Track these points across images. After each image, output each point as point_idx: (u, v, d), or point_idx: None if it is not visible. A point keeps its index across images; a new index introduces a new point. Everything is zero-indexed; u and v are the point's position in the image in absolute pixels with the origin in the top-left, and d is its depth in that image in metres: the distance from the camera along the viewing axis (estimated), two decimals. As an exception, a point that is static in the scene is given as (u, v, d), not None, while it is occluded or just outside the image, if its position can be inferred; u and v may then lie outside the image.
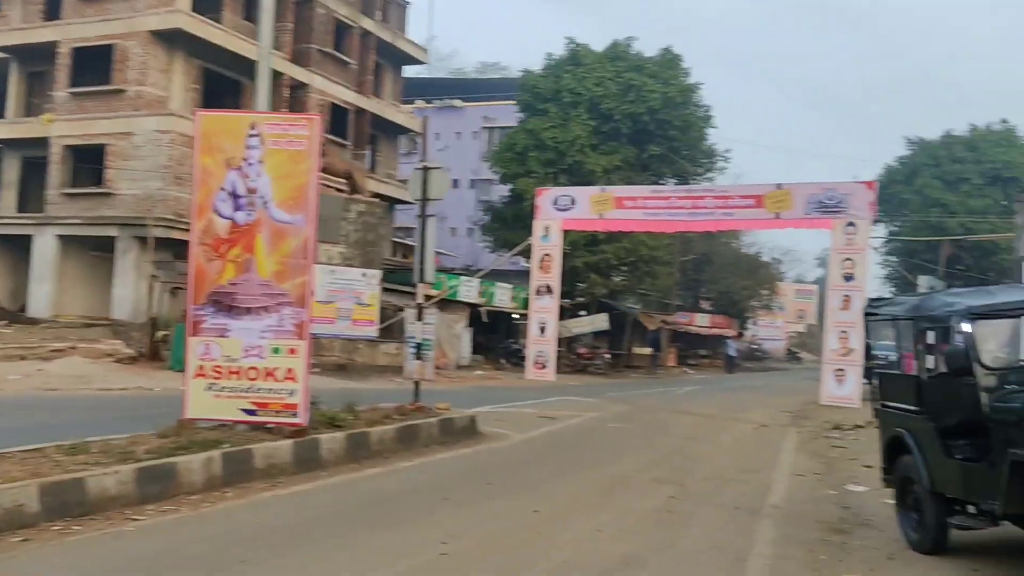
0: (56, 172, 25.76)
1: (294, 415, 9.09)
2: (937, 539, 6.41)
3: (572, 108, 33.55)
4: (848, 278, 22.74)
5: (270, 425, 9.14)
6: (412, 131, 37.97)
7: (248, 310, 9.11)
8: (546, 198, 27.38)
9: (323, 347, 22.64)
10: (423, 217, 12.12)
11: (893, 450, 7.04)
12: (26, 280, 25.87)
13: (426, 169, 12.22)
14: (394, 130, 36.65)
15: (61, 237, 25.39)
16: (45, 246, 25.37)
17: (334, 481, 8.69)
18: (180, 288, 21.15)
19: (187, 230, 11.20)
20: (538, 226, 27.28)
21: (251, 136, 9.17)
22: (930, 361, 6.73)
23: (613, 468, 10.58)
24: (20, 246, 26.14)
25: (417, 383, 12.49)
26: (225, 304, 9.12)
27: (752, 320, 56.36)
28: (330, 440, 9.38)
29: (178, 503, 7.27)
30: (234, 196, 9.16)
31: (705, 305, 52.44)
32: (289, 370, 9.10)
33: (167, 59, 25.62)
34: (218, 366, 9.07)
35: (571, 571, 5.88)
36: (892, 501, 8.67)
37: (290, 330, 9.13)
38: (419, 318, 12.32)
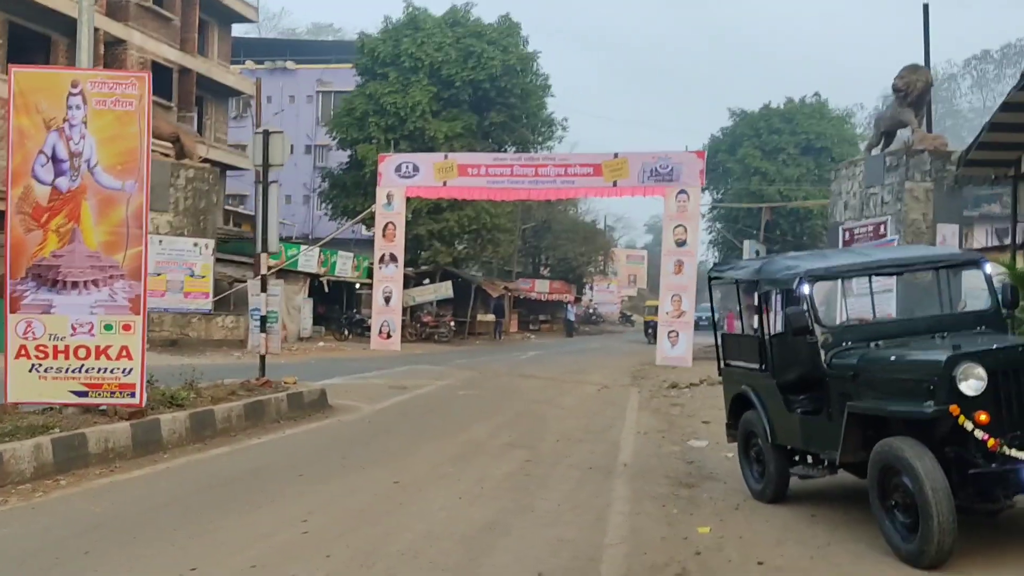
0: None
1: (131, 395, 8.54)
2: (778, 489, 6.81)
3: (412, 73, 33.05)
4: (680, 244, 23.73)
5: (103, 407, 8.55)
6: (242, 93, 36.28)
7: (74, 284, 8.45)
8: (388, 164, 26.93)
9: (152, 321, 21.40)
10: (264, 184, 11.60)
11: (737, 406, 7.40)
12: None
13: (266, 133, 11.68)
14: (223, 92, 34.87)
15: None
16: None
17: (178, 463, 8.24)
18: (-12, 261, 19.40)
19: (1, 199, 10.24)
20: (381, 193, 26.81)
21: (73, 95, 8.45)
22: (756, 322, 7.14)
23: (466, 435, 10.63)
24: None
25: (263, 357, 12.03)
26: (48, 278, 8.42)
27: (589, 285, 58.05)
28: (171, 420, 8.87)
29: (6, 494, 6.70)
30: (55, 160, 8.44)
31: (544, 271, 53.52)
32: (124, 347, 8.53)
33: (-37, 9, 23.25)
34: (42, 345, 8.38)
35: (434, 541, 5.84)
36: (732, 455, 9.21)
37: (123, 305, 8.55)
38: (263, 289, 11.83)
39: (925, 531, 4.86)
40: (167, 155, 23.64)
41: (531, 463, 8.73)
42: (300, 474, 7.90)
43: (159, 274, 21.93)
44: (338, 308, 32.40)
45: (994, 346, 5.24)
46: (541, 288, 48.05)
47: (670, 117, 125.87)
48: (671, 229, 23.93)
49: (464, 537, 5.94)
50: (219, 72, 33.49)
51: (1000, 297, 6.19)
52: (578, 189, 26.10)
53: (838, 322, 6.52)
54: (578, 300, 52.56)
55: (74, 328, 8.40)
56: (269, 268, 26.01)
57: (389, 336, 26.61)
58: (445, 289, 33.61)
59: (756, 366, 6.99)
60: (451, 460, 8.89)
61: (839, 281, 6.94)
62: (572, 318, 46.48)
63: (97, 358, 8.44)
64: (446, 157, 27.10)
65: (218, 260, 24.58)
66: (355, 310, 32.16)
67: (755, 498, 7.09)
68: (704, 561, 5.49)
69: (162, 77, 29.63)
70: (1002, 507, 5.03)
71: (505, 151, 34.84)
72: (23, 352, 8.36)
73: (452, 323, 33.99)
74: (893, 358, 5.56)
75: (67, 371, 8.40)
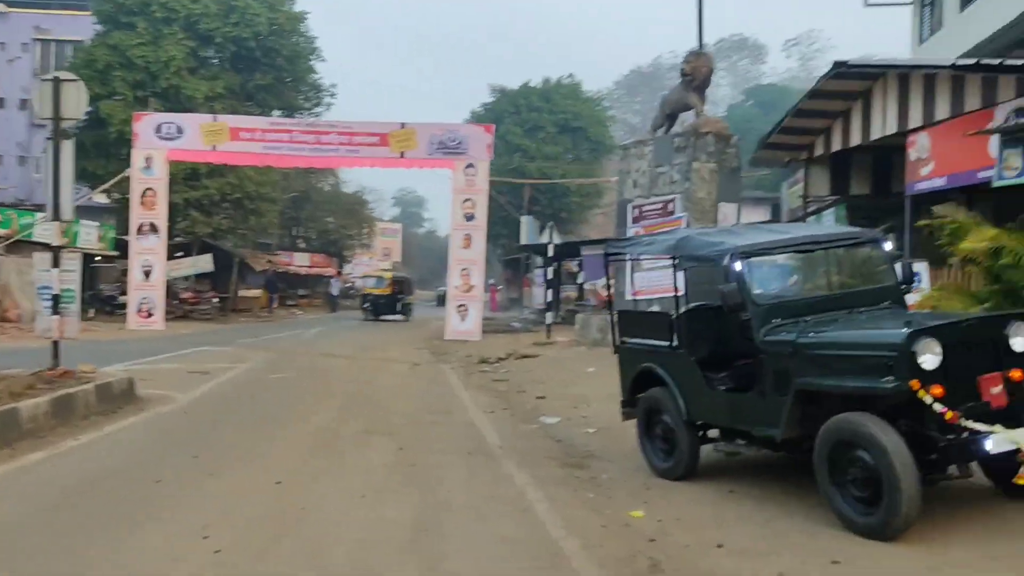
0: None
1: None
2: (689, 466, 6.81)
3: (165, 25, 30.10)
4: (469, 218, 23.62)
5: None
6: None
7: None
8: (146, 124, 24.31)
9: None
10: (56, 140, 9.81)
11: (638, 384, 7.30)
12: None
13: (57, 81, 9.88)
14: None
15: None
16: None
17: (-6, 476, 6.77)
18: None
19: None
20: (138, 156, 24.17)
21: None
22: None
23: (312, 422, 9.79)
24: None
25: (56, 343, 10.24)
26: None
27: (350, 259, 56.64)
28: (-33, 423, 7.28)
29: None
30: None
31: (300, 244, 51.46)
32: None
33: None
34: None
35: (375, 550, 5.20)
36: (593, 431, 9.27)
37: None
38: (55, 264, 10.06)
39: (892, 504, 4.97)
40: None
41: (404, 451, 8.17)
42: (157, 480, 6.78)
43: None
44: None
45: (945, 321, 5.51)
46: (301, 261, 46.20)
47: (431, 89, 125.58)
48: (459, 203, 23.70)
49: (404, 543, 5.36)
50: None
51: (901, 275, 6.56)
52: (363, 159, 24.95)
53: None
54: (339, 274, 51.16)
55: None
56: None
57: (151, 315, 24.20)
58: (205, 263, 31.27)
59: (665, 343, 6.93)
60: (315, 452, 8.11)
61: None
62: (336, 292, 45.13)
63: None
64: (215, 119, 24.97)
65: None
66: (107, 286, 28.96)
67: (659, 476, 7.03)
68: (662, 548, 5.33)
69: None
70: (958, 476, 5.28)
71: (270, 115, 32.79)
72: None
73: (216, 299, 31.65)
74: (841, 334, 5.66)
75: None
